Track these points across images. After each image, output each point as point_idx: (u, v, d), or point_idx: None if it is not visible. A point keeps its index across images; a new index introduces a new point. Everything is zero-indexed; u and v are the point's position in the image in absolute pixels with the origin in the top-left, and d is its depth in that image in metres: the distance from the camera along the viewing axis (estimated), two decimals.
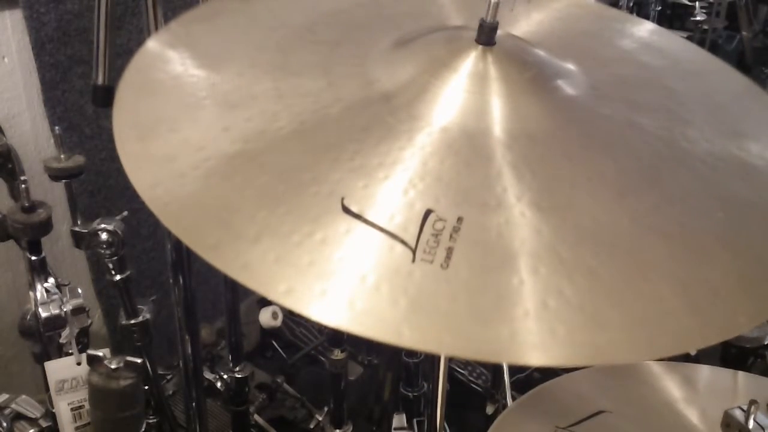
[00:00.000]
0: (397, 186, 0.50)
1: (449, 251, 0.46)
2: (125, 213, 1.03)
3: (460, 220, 0.48)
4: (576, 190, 0.52)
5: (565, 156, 0.55)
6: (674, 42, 0.78)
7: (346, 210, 0.48)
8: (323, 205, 0.48)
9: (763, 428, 0.70)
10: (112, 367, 0.91)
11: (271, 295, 0.45)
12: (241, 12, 0.70)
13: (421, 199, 0.49)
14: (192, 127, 0.56)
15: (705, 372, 0.93)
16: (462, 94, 0.56)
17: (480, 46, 0.58)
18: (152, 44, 0.66)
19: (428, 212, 0.48)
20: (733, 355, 1.18)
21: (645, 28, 0.78)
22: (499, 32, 0.59)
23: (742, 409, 0.71)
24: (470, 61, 0.58)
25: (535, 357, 0.43)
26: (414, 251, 0.46)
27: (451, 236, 0.47)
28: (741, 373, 0.92)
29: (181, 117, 0.57)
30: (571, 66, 0.64)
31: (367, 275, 0.45)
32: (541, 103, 0.58)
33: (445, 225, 0.47)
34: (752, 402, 0.70)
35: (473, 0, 0.64)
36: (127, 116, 0.57)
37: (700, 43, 2.16)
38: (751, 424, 0.70)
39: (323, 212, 0.48)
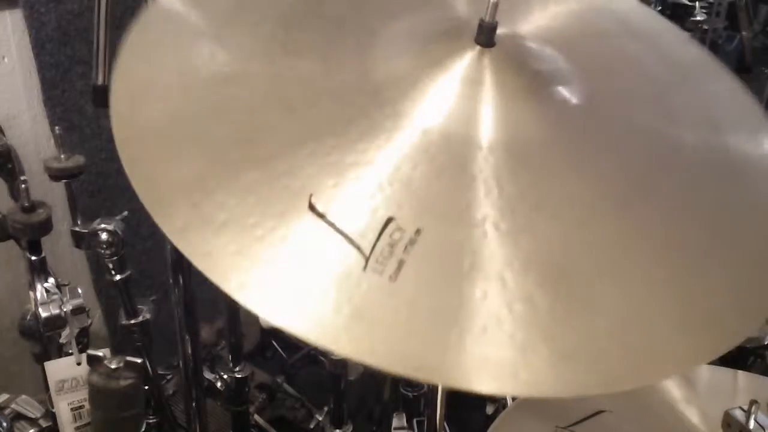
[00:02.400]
0: (366, 189, 0.49)
1: (400, 264, 0.45)
2: (125, 213, 1.03)
3: (418, 232, 0.47)
4: (540, 214, 0.50)
5: (541, 174, 0.53)
6: (686, 48, 0.76)
7: (312, 208, 0.47)
8: (291, 200, 0.48)
9: (763, 428, 0.70)
10: (112, 367, 0.91)
11: (224, 288, 0.44)
12: None
13: (386, 205, 0.48)
14: (181, 96, 0.55)
15: (705, 372, 0.93)
16: (451, 97, 0.54)
17: (478, 47, 0.56)
18: (161, 2, 0.65)
19: (389, 220, 0.47)
20: (733, 355, 1.18)
21: (663, 29, 0.77)
22: (503, 30, 0.57)
23: (743, 409, 0.71)
24: (465, 63, 0.56)
25: (462, 382, 0.43)
26: (367, 260, 0.45)
27: (405, 248, 0.46)
28: (741, 373, 0.92)
29: (174, 84, 0.56)
30: (571, 68, 0.62)
31: (318, 278, 0.45)
32: (531, 113, 0.56)
33: (402, 236, 0.47)
34: (753, 402, 0.70)
35: None
36: (124, 75, 0.57)
37: (700, 43, 2.16)
38: (751, 424, 0.70)
39: (290, 208, 0.47)
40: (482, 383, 0.43)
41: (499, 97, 0.55)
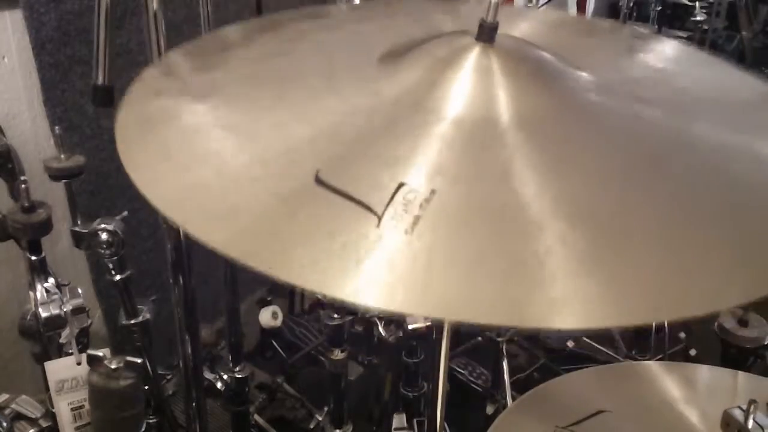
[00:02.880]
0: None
1: (416, 219, 0.47)
2: (125, 213, 1.03)
3: (433, 192, 0.48)
4: (567, 168, 0.53)
5: (562, 142, 0.56)
6: (675, 49, 0.78)
7: (319, 181, 0.49)
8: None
9: (762, 428, 0.70)
10: (112, 367, 0.91)
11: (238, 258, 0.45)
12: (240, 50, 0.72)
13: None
14: (200, 150, 0.56)
15: (705, 372, 0.93)
16: (468, 87, 0.57)
17: (480, 44, 0.59)
18: (148, 73, 0.67)
19: (400, 185, 0.49)
20: (733, 355, 1.18)
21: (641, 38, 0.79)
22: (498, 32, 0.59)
23: (742, 409, 0.71)
24: (473, 58, 0.59)
25: (499, 317, 0.44)
26: (380, 217, 0.47)
27: (421, 205, 0.48)
28: (741, 373, 0.92)
29: (187, 144, 0.57)
30: (571, 65, 0.65)
31: (333, 240, 0.46)
32: (541, 93, 0.59)
33: (416, 196, 0.48)
34: (751, 402, 0.70)
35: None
36: (133, 148, 0.57)
37: (700, 43, 2.16)
38: (750, 423, 0.70)
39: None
40: (534, 320, 0.44)
41: (509, 81, 0.58)
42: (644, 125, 0.61)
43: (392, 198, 0.48)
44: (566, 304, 0.44)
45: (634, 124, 0.61)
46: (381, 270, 0.45)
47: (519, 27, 0.73)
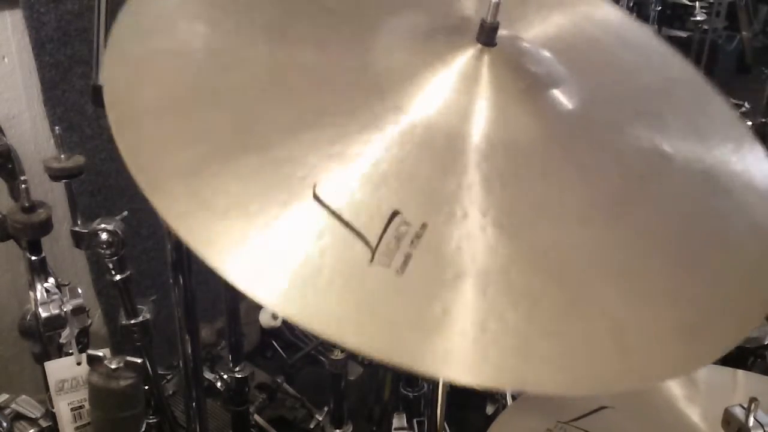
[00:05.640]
0: (370, 181, 0.49)
1: (407, 257, 0.46)
2: (125, 213, 1.03)
3: (424, 226, 0.47)
4: (542, 212, 0.51)
5: (540, 173, 0.54)
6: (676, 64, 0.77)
7: (317, 198, 0.47)
8: (294, 189, 0.47)
9: (762, 426, 0.70)
10: (112, 367, 0.91)
11: (227, 276, 0.44)
12: None
13: (390, 198, 0.48)
14: (178, 80, 0.55)
15: (706, 370, 0.93)
16: (447, 91, 0.55)
17: (479, 46, 0.57)
18: None
19: (395, 214, 0.47)
20: (733, 355, 1.18)
21: (654, 44, 0.78)
22: (504, 32, 0.57)
23: (743, 407, 0.71)
24: (465, 59, 0.56)
25: (464, 376, 0.43)
26: (374, 252, 0.45)
27: (412, 242, 0.46)
28: (741, 372, 0.92)
29: (170, 70, 0.56)
30: (567, 74, 0.63)
31: (323, 268, 0.45)
32: (527, 114, 0.57)
33: (408, 230, 0.47)
34: (752, 400, 0.70)
35: None
36: (117, 56, 0.56)
37: (700, 43, 2.16)
38: (751, 422, 0.70)
39: (293, 196, 0.47)
40: (483, 378, 0.43)
41: (494, 94, 0.55)
42: (623, 154, 0.59)
43: (386, 228, 0.46)
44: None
45: (613, 152, 0.59)
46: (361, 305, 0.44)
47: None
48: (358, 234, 0.46)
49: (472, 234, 0.48)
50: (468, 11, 0.66)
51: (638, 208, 0.55)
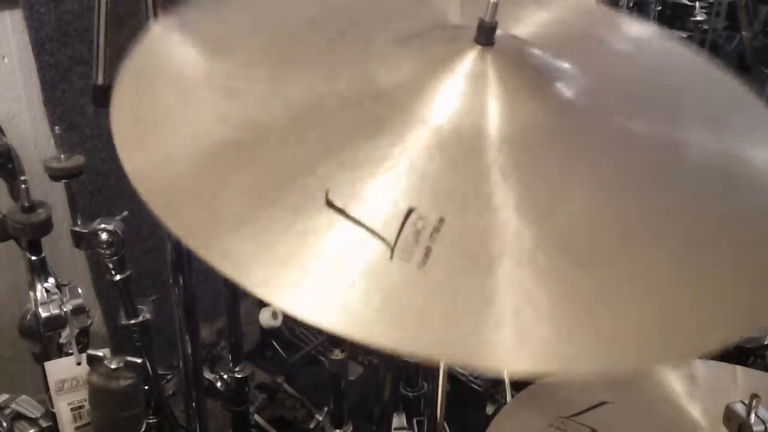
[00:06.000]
0: (383, 183, 0.49)
1: (427, 251, 0.46)
2: (125, 213, 1.03)
3: (441, 220, 0.47)
4: (562, 197, 0.52)
5: (556, 161, 0.54)
6: (674, 48, 0.77)
7: (330, 204, 0.47)
8: (308, 199, 0.48)
9: (764, 422, 0.70)
10: (112, 367, 0.91)
11: (248, 285, 0.45)
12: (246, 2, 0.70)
13: (405, 197, 0.48)
14: (186, 114, 0.56)
15: (706, 366, 0.93)
16: (458, 94, 0.55)
17: (479, 47, 0.57)
18: (157, 28, 0.66)
19: (410, 211, 0.47)
20: (732, 354, 1.18)
21: (645, 31, 0.78)
22: (499, 32, 0.58)
23: (744, 403, 0.71)
24: (468, 61, 0.57)
25: (503, 363, 0.43)
26: (392, 249, 0.45)
27: (431, 235, 0.46)
28: (742, 368, 0.92)
29: (177, 103, 0.57)
30: (570, 67, 0.64)
31: (345, 271, 0.45)
32: (537, 105, 0.57)
33: (426, 224, 0.47)
34: (753, 396, 0.70)
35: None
36: (125, 99, 0.57)
37: (700, 43, 2.16)
38: (752, 418, 0.70)
39: (307, 205, 0.48)
40: (522, 364, 0.43)
41: (503, 90, 0.56)
42: (635, 140, 0.59)
43: (402, 226, 0.47)
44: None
45: (625, 139, 0.59)
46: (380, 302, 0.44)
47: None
48: (375, 233, 0.46)
49: (494, 224, 0.48)
50: (454, 19, 0.67)
51: (654, 193, 0.55)
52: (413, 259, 0.45)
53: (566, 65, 0.64)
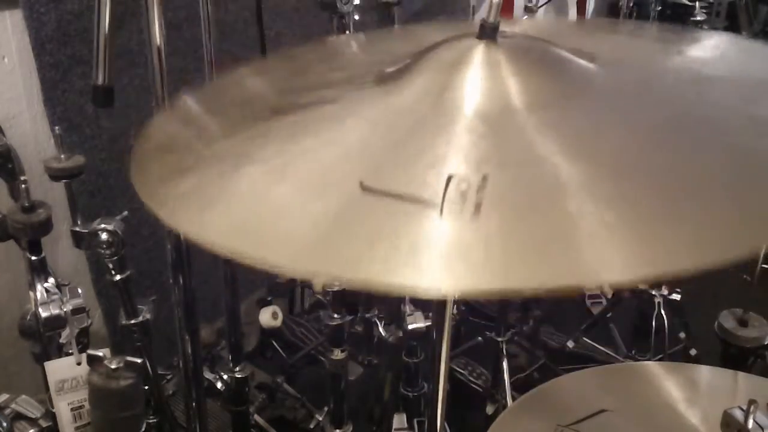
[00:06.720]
0: (424, 164, 0.52)
1: (478, 205, 0.47)
2: (125, 213, 1.03)
3: (485, 178, 0.49)
4: (599, 140, 0.55)
5: (584, 116, 0.58)
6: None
7: (365, 188, 0.49)
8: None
9: (762, 428, 0.70)
10: (112, 367, 0.91)
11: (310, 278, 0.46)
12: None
13: (444, 170, 0.51)
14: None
15: (705, 372, 0.94)
16: (482, 81, 0.59)
17: (483, 42, 0.60)
18: None
19: (450, 177, 0.49)
20: (733, 355, 1.18)
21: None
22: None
23: (742, 409, 0.71)
24: (479, 54, 0.60)
25: (604, 275, 0.44)
26: (441, 207, 0.47)
27: (477, 192, 0.48)
28: (741, 374, 0.92)
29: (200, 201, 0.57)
30: (574, 48, 0.66)
31: (401, 240, 0.46)
32: (554, 79, 0.61)
33: (469, 184, 0.49)
34: (751, 402, 0.70)
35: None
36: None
37: None
38: (750, 424, 0.70)
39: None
40: (622, 272, 0.44)
41: (519, 70, 0.59)
42: (657, 96, 0.62)
43: (446, 191, 0.48)
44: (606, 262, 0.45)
45: (645, 97, 0.62)
46: (457, 257, 0.45)
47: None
48: (418, 199, 0.48)
49: (542, 171, 0.51)
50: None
51: (678, 128, 0.58)
52: (464, 213, 0.47)
53: (570, 48, 0.66)
